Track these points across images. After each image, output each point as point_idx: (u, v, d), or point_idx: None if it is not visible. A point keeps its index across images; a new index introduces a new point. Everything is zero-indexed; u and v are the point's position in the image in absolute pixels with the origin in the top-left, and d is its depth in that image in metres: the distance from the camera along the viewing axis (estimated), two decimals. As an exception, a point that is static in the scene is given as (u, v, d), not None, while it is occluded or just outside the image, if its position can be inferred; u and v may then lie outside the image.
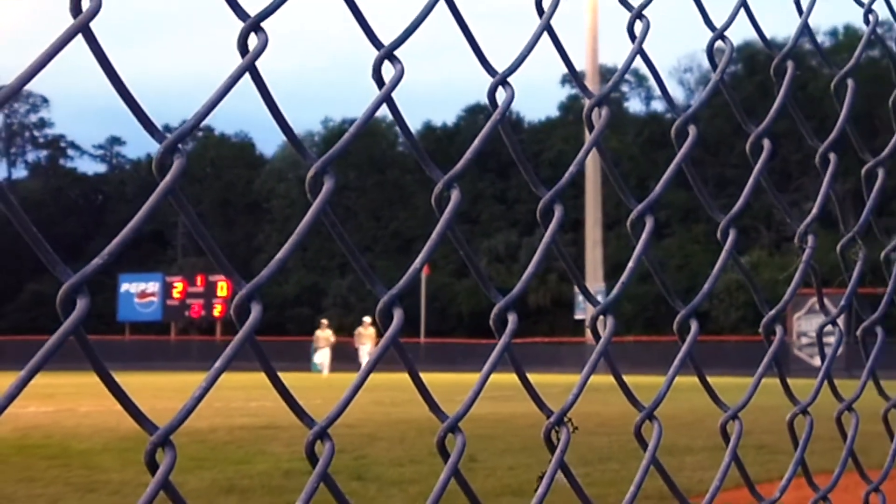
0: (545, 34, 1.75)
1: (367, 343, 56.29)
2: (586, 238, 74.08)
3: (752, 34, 2.27)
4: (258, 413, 24.94)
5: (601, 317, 1.84)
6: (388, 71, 1.55)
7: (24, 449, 16.07)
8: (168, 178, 1.25)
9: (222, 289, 79.18)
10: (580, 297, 73.78)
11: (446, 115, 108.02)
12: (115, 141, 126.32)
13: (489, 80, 1.72)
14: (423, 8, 1.57)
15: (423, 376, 1.66)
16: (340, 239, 1.49)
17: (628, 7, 1.94)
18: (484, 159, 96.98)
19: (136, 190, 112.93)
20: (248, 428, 20.26)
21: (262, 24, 1.36)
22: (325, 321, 60.11)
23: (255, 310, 1.33)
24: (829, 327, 2.34)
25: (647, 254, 1.86)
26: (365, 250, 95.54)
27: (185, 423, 1.28)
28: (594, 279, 70.28)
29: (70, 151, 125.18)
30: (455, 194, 1.58)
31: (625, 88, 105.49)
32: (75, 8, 1.17)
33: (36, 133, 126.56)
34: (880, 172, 2.35)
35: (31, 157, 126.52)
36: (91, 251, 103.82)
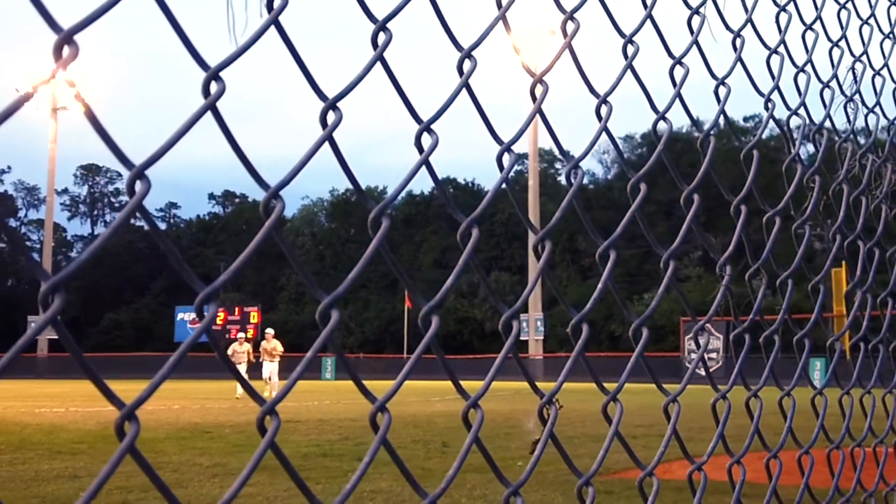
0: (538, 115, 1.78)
1: (273, 360, 37.86)
2: (529, 280, 74.03)
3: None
4: (282, 411, 24.66)
5: (580, 324, 1.85)
6: (426, 140, 1.56)
7: (106, 438, 15.93)
8: (273, 217, 1.26)
9: (254, 316, 78.95)
10: (525, 323, 74.14)
11: (424, 185, 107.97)
12: (172, 205, 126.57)
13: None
14: (452, 93, 1.59)
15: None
16: (392, 264, 1.50)
17: (595, 94, 1.97)
18: (452, 218, 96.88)
19: (189, 242, 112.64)
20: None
21: (338, 104, 1.38)
22: (242, 335, 41.98)
23: (335, 315, 1.34)
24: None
25: (610, 280, 1.88)
26: (362, 287, 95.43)
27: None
28: (535, 309, 70.43)
29: (137, 213, 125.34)
30: (475, 232, 1.59)
31: (558, 166, 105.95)
32: (205, 90, 1.19)
33: (112, 199, 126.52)
34: (777, 220, 2.40)
35: (108, 217, 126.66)
36: (155, 288, 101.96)
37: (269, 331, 39.17)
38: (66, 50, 1.02)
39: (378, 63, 1.44)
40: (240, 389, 34.32)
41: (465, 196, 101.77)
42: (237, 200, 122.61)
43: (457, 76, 1.61)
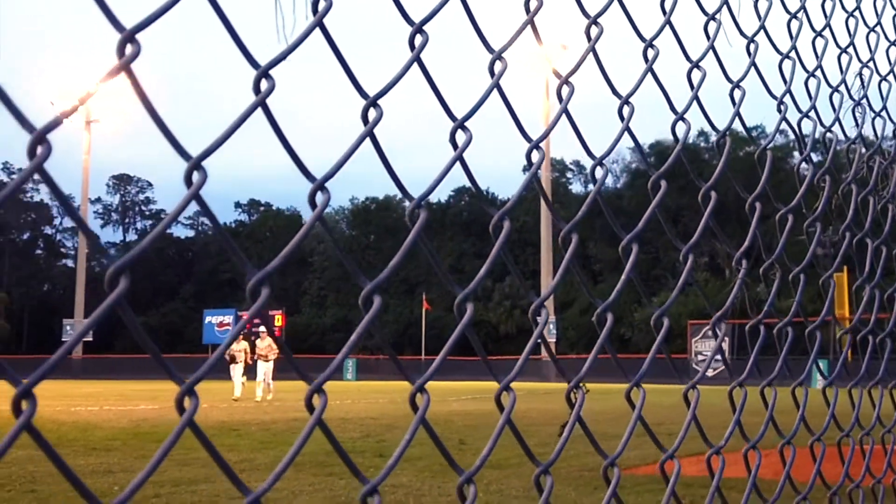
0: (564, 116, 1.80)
1: (267, 360, 32.83)
2: (541, 283, 73.98)
3: (662, 135, 2.29)
4: (302, 409, 25.05)
5: (605, 314, 1.86)
6: (459, 137, 1.58)
7: (138, 435, 16.03)
8: (319, 207, 1.28)
9: (278, 319, 79.10)
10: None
11: (440, 194, 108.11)
12: (200, 213, 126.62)
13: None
14: (484, 93, 1.60)
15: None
16: (430, 254, 1.51)
17: (618, 95, 1.98)
18: (467, 226, 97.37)
19: (217, 249, 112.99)
20: (299, 420, 20.29)
21: (379, 102, 1.40)
22: (263, 330, 33.68)
23: (377, 300, 1.36)
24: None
25: (633, 272, 1.89)
26: (382, 292, 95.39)
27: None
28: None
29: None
30: (507, 224, 1.61)
31: (569, 175, 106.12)
32: (255, 87, 1.21)
33: (143, 208, 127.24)
34: (790, 217, 2.41)
35: (139, 225, 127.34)
36: (183, 293, 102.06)
37: (263, 329, 33.22)
38: (128, 48, 1.04)
39: (415, 64, 1.46)
40: (237, 391, 31.38)
41: (478, 205, 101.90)
42: (262, 209, 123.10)
43: (483, 78, 1.63)
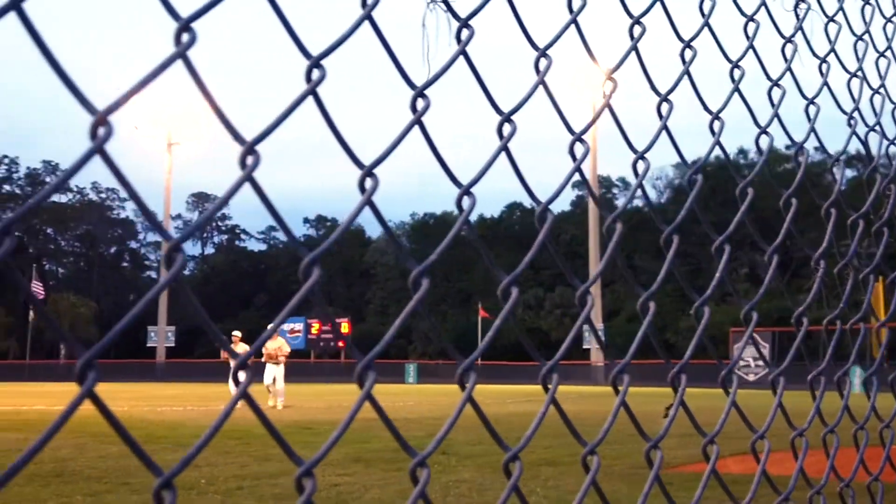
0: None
1: (276, 362, 27.22)
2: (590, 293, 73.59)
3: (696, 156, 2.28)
4: (369, 409, 25.21)
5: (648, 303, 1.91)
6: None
7: (221, 433, 16.11)
8: (465, 211, 1.35)
9: (344, 327, 79.54)
10: (587, 333, 73.69)
11: (493, 209, 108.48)
12: (272, 228, 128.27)
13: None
14: (598, 109, 1.67)
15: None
16: (555, 254, 1.58)
17: (657, 93, 1.94)
18: (519, 239, 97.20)
19: (286, 261, 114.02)
20: (363, 420, 20.33)
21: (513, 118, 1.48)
22: (237, 334, 28.58)
23: (514, 292, 1.42)
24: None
25: (725, 272, 1.94)
26: (441, 300, 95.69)
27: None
28: (597, 320, 70.08)
29: (242, 236, 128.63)
30: (619, 226, 1.67)
31: (615, 191, 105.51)
32: (412, 106, 1.29)
33: (219, 223, 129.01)
34: (861, 223, 2.44)
35: (216, 239, 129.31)
36: (257, 303, 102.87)
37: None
38: (314, 73, 1.13)
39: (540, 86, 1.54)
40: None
41: (530, 217, 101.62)
42: (328, 224, 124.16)
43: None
